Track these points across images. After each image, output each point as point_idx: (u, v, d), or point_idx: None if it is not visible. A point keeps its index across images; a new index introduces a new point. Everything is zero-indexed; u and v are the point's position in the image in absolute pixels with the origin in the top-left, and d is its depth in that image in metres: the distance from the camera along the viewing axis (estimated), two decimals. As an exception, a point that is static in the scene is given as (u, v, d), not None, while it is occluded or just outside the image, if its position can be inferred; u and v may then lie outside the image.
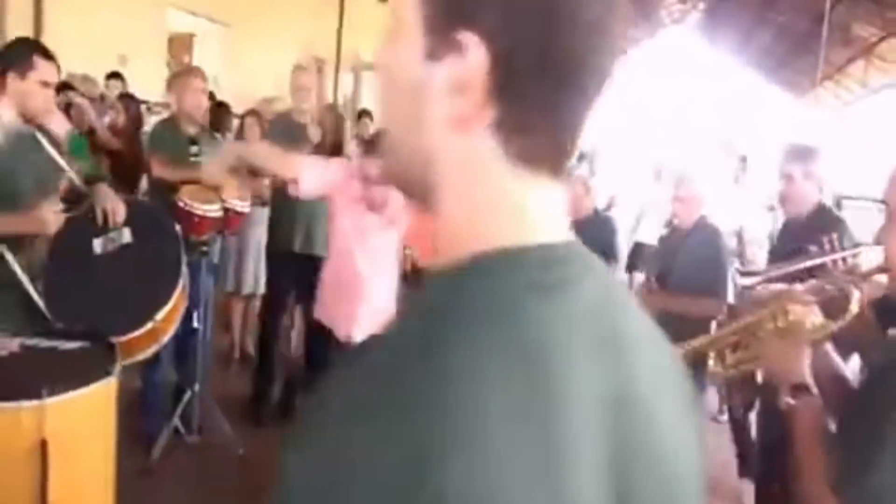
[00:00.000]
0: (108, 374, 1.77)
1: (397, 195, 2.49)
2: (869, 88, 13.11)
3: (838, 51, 12.25)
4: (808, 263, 2.10)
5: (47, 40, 6.41)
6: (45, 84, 2.27)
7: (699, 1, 17.08)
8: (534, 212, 0.51)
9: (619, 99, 2.41)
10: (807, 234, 2.63)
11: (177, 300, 2.45)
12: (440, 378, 0.41)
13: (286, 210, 3.71)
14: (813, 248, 2.16)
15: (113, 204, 2.39)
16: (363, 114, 5.52)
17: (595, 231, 4.06)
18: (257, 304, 4.67)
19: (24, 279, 2.17)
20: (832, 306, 1.52)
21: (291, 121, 3.82)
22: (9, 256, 2.04)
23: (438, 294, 0.49)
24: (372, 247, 2.89)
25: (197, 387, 3.43)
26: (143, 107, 5.73)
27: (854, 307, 1.42)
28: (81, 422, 1.69)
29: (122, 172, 4.19)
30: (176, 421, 3.37)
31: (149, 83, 6.85)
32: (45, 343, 1.85)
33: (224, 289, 4.44)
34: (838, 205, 7.08)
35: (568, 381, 0.44)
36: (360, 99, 13.13)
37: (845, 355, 1.68)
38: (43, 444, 1.56)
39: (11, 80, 2.24)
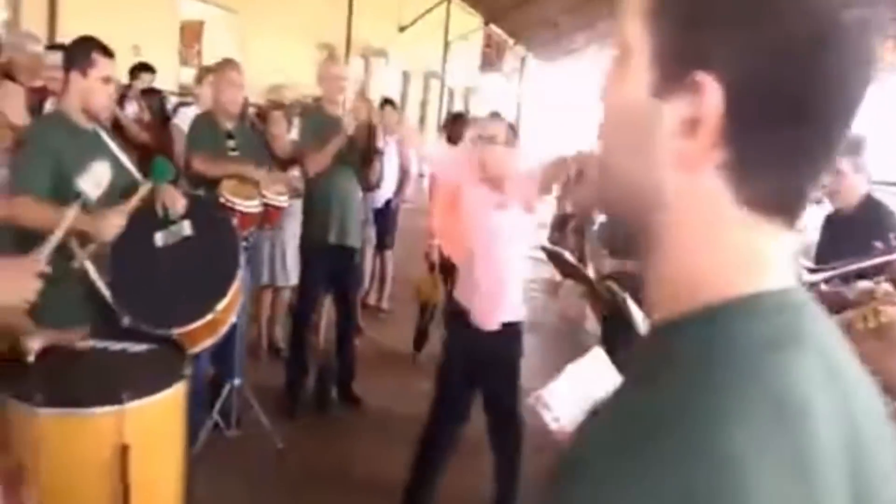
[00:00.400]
0: (181, 377, 1.77)
1: (512, 180, 2.78)
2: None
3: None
4: (877, 261, 2.08)
5: (62, 32, 6.40)
6: (106, 80, 2.27)
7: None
8: (767, 259, 0.50)
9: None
10: (857, 227, 2.65)
11: (235, 292, 2.48)
12: (708, 433, 0.42)
13: (320, 202, 3.72)
14: (879, 245, 2.14)
15: (173, 198, 2.38)
16: (386, 102, 5.46)
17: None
18: (285, 295, 4.68)
19: (93, 272, 2.18)
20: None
21: (324, 114, 3.79)
22: (77, 251, 2.05)
23: (685, 345, 0.48)
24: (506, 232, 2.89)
25: (237, 381, 3.44)
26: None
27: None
28: (158, 425, 1.70)
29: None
30: (216, 415, 3.38)
31: (162, 72, 6.82)
32: (115, 345, 1.85)
33: (259, 281, 4.44)
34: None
35: (821, 434, 0.45)
36: (370, 85, 13.14)
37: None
38: (123, 450, 1.57)
39: (74, 78, 2.24)
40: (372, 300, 5.97)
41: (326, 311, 4.67)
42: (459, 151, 3.30)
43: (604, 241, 4.25)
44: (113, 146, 2.43)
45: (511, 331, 2.84)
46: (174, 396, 1.75)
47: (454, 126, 5.23)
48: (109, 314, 2.22)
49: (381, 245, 5.76)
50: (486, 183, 2.86)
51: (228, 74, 3.30)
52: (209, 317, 2.37)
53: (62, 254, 2.02)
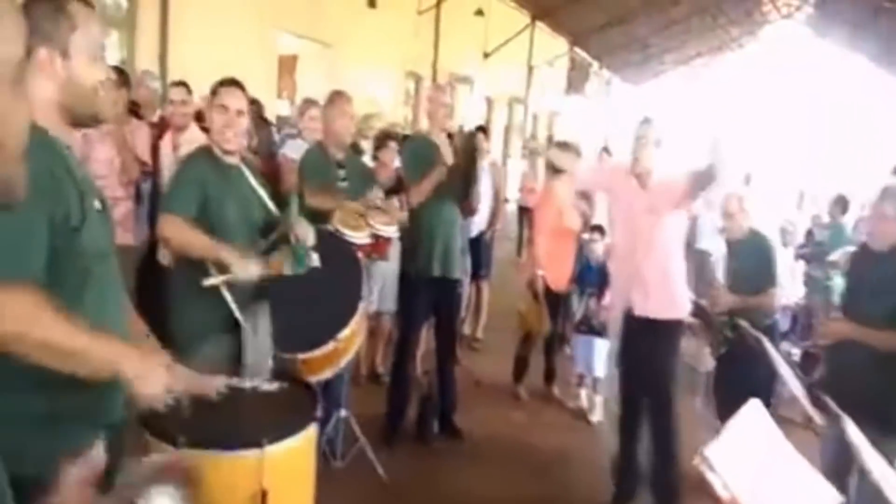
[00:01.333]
0: (313, 418, 1.73)
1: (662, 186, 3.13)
2: None
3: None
4: None
5: (173, 70, 6.75)
6: (238, 112, 2.34)
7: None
8: None
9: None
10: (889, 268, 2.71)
11: (357, 323, 2.47)
12: None
13: (424, 232, 3.68)
14: None
15: (305, 229, 2.40)
16: (480, 129, 5.42)
17: (751, 250, 3.81)
18: (384, 322, 4.66)
19: (226, 293, 2.22)
20: None
21: (427, 141, 3.76)
22: (213, 272, 2.11)
23: None
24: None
25: (343, 412, 3.41)
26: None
27: None
28: (294, 468, 1.66)
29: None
30: (324, 446, 3.35)
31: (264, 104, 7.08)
32: (247, 383, 1.83)
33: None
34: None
35: None
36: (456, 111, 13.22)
37: None
38: (263, 495, 1.52)
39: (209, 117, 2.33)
40: (467, 330, 5.89)
41: (425, 340, 4.62)
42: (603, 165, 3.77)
43: (725, 275, 4.01)
44: (254, 182, 2.46)
45: (675, 326, 3.27)
46: (308, 439, 1.71)
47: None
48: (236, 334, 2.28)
49: (477, 275, 5.69)
50: (639, 185, 3.24)
51: (339, 105, 3.33)
52: (331, 346, 2.38)
53: (199, 271, 2.14)
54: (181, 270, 2.32)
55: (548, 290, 4.81)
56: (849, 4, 14.48)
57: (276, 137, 5.56)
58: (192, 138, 3.80)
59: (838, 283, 6.22)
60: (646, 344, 3.23)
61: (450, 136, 3.83)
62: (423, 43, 11.87)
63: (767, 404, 3.65)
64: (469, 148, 3.75)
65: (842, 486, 2.16)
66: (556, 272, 4.82)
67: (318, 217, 3.11)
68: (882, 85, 17.47)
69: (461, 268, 3.98)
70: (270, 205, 2.46)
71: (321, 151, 3.41)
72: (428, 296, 3.78)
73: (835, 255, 5.72)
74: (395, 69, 11.12)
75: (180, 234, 2.18)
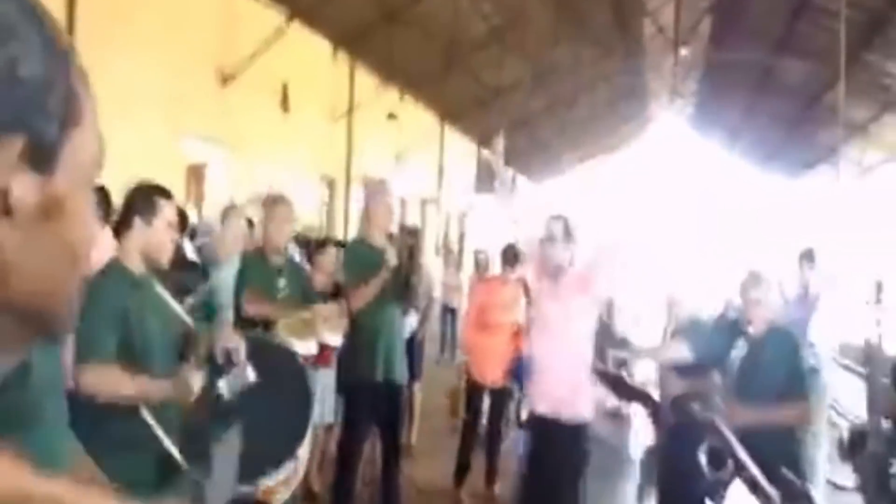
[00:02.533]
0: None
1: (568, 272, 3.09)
2: (862, 166, 13.43)
3: (831, 133, 12.64)
4: None
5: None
6: (170, 225, 2.12)
7: (690, 95, 17.85)
8: None
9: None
10: None
11: (310, 436, 2.27)
12: None
13: (366, 339, 3.51)
14: None
15: (236, 340, 2.19)
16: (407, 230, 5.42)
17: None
18: (318, 435, 4.36)
19: (162, 436, 1.96)
20: None
21: (369, 246, 3.68)
22: (146, 414, 1.84)
23: None
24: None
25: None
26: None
27: None
28: None
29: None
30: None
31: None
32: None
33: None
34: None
35: None
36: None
37: None
38: None
39: (138, 227, 2.08)
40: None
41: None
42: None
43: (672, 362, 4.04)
44: (167, 296, 2.24)
45: (579, 431, 3.11)
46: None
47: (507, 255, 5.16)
48: (179, 478, 1.97)
49: (410, 377, 5.53)
50: (547, 277, 3.27)
51: (279, 210, 3.21)
52: (291, 465, 2.17)
53: (131, 422, 1.87)
54: (108, 418, 1.95)
55: (474, 383, 4.79)
56: (724, 105, 16.07)
57: (188, 246, 5.31)
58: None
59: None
60: (547, 448, 3.10)
61: (390, 237, 3.77)
62: (337, 147, 12.01)
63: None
64: (411, 246, 3.68)
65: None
66: (482, 365, 4.79)
67: (259, 325, 2.91)
68: (760, 184, 19.22)
69: (402, 371, 3.82)
70: (186, 318, 2.25)
71: (260, 258, 3.25)
72: (372, 403, 3.59)
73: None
74: (309, 173, 11.11)
75: (106, 384, 1.92)
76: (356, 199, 13.05)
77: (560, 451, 3.09)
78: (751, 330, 3.14)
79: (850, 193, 13.42)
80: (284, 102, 10.16)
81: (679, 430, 3.71)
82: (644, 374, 7.04)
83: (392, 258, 3.50)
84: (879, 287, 7.16)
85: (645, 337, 7.02)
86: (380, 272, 3.44)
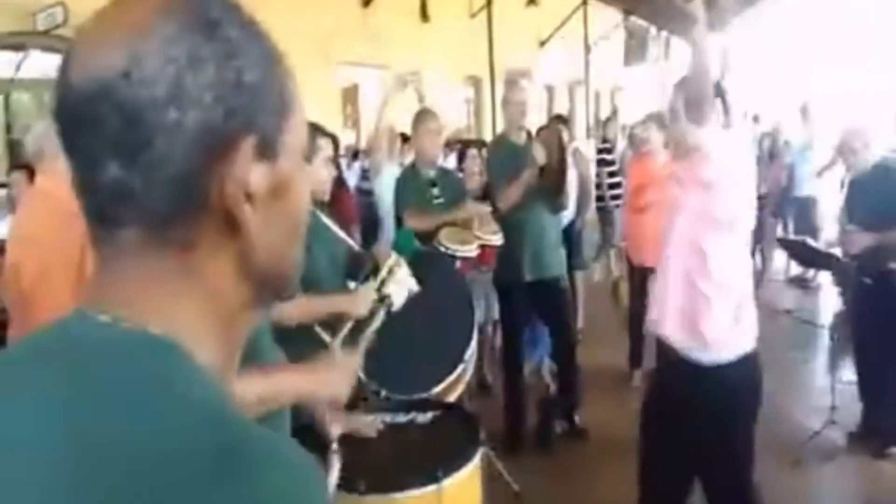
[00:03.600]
0: (480, 444, 1.72)
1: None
2: None
3: None
4: None
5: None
6: (328, 160, 2.32)
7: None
8: None
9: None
10: None
11: (475, 339, 2.46)
12: None
13: (515, 239, 3.56)
14: None
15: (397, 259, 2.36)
16: (558, 119, 5.34)
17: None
18: (486, 330, 4.64)
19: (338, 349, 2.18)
20: None
21: (511, 144, 3.70)
22: (320, 331, 2.06)
23: None
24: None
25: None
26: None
27: None
28: (470, 495, 1.65)
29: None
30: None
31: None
32: (401, 417, 1.84)
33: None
34: None
35: None
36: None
37: None
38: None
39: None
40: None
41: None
42: None
43: (846, 217, 3.75)
44: (330, 223, 2.46)
45: (715, 371, 2.11)
46: (477, 465, 1.69)
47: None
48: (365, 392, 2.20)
49: (570, 266, 5.59)
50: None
51: (426, 123, 3.34)
52: (459, 369, 2.35)
53: (313, 342, 1.99)
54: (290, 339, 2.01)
55: (635, 267, 4.72)
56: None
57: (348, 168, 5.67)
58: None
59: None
60: (678, 394, 2.21)
61: (529, 134, 3.76)
62: (478, 44, 11.82)
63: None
64: (555, 144, 3.66)
65: None
66: (640, 247, 4.70)
67: (420, 239, 3.13)
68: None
69: (556, 266, 3.83)
70: (352, 243, 2.41)
71: (413, 172, 3.44)
72: (525, 301, 3.70)
73: None
74: (453, 76, 11.12)
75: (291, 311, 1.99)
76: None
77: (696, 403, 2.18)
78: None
79: None
80: (424, 12, 10.17)
81: (870, 288, 3.50)
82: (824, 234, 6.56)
83: (539, 156, 3.50)
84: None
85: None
86: (523, 171, 3.46)
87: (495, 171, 3.75)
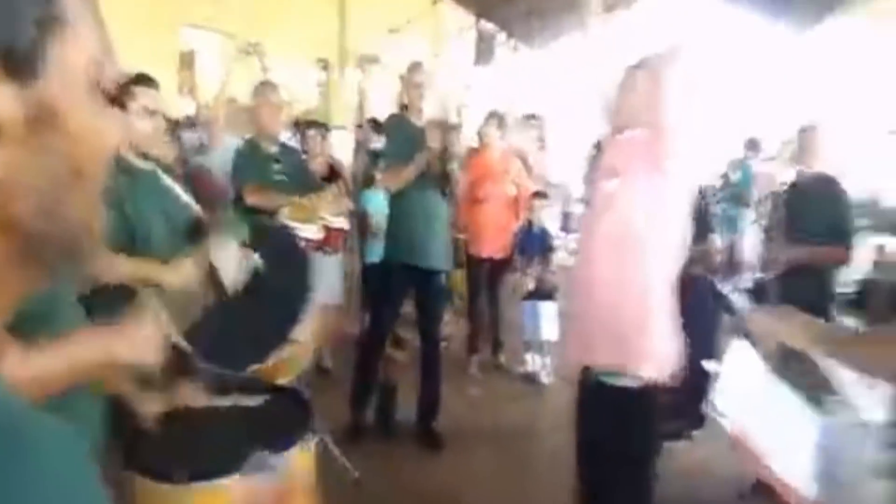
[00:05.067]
0: (311, 425, 1.64)
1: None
2: (876, 14, 12.77)
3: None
4: None
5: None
6: (147, 111, 2.12)
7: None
8: None
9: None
10: None
11: (313, 318, 2.35)
12: None
13: (403, 221, 3.54)
14: None
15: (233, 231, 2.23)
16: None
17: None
18: (329, 315, 4.55)
19: (165, 321, 2.02)
20: None
21: (410, 123, 3.59)
22: (145, 296, 1.89)
23: None
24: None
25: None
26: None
27: None
28: (303, 479, 1.57)
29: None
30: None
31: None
32: (228, 399, 1.71)
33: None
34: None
35: None
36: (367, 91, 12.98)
37: None
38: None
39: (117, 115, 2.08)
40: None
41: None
42: None
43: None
44: (172, 185, 2.28)
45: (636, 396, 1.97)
46: (310, 449, 1.61)
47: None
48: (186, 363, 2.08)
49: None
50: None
51: (267, 95, 3.16)
52: (291, 347, 2.26)
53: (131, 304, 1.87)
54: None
55: (472, 258, 4.88)
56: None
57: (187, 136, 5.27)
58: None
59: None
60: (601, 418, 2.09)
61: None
62: (329, 25, 11.54)
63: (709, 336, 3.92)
64: (447, 134, 3.62)
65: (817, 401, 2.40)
66: (478, 238, 4.86)
67: (261, 213, 2.98)
68: (772, 36, 18.41)
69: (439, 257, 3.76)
70: (194, 206, 2.27)
71: (253, 146, 3.24)
72: (400, 286, 3.65)
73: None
74: (303, 57, 10.76)
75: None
76: (351, 80, 12.70)
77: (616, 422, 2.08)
78: (803, 172, 3.37)
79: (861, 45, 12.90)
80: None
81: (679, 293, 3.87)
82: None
83: (435, 142, 3.43)
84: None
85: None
86: (421, 152, 3.40)
87: (391, 150, 3.66)
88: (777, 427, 1.75)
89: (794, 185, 3.46)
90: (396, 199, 3.52)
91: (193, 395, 1.48)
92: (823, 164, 3.33)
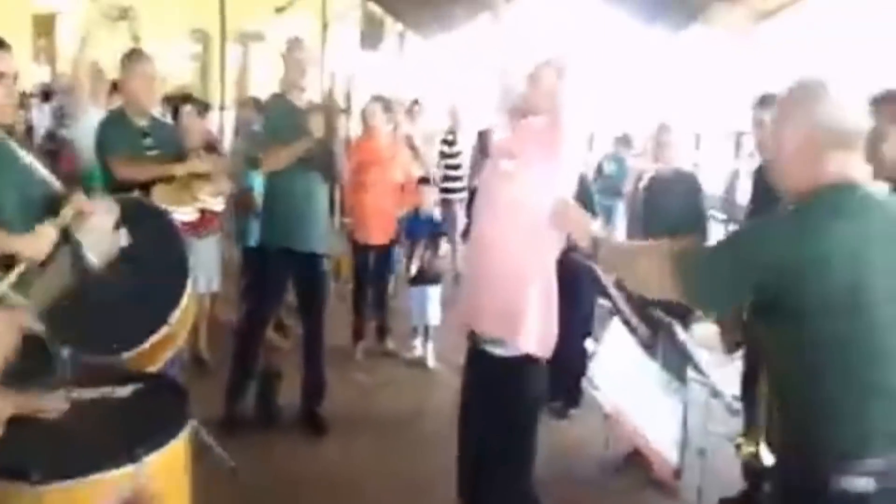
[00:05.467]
0: (186, 416, 1.54)
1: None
2: (729, 26, 13.88)
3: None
4: None
5: None
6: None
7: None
8: None
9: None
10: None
11: (188, 300, 2.23)
12: None
13: (282, 204, 3.41)
14: None
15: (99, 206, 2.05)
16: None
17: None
18: (205, 303, 4.35)
19: (19, 302, 1.83)
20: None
21: (289, 103, 3.44)
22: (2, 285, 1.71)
23: None
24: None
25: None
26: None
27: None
28: (178, 473, 1.46)
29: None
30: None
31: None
32: (95, 392, 1.57)
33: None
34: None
35: None
36: (249, 70, 12.46)
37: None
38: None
39: None
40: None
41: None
42: None
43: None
44: (24, 154, 2.07)
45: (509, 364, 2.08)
46: (184, 440, 1.51)
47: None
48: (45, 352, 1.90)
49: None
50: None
51: (138, 64, 2.93)
52: (164, 330, 2.14)
53: None
54: None
55: (358, 245, 4.83)
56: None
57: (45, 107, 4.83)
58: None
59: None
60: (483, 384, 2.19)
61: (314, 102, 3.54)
62: (208, 2, 10.94)
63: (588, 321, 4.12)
64: (332, 120, 3.50)
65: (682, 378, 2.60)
66: (364, 224, 4.84)
67: (130, 191, 2.76)
68: (643, 39, 19.54)
69: (324, 240, 3.67)
70: (52, 180, 2.08)
71: (121, 118, 3.00)
72: (280, 271, 3.52)
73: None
74: (177, 27, 10.14)
75: None
76: (232, 56, 12.14)
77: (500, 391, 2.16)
78: (658, 169, 3.51)
79: (720, 53, 14.01)
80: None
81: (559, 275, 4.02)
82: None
83: (317, 128, 3.29)
84: (739, 140, 7.75)
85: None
86: (302, 134, 3.26)
87: (267, 129, 3.49)
88: (648, 401, 1.86)
89: (652, 179, 3.65)
90: (274, 182, 3.40)
91: (51, 399, 1.33)
92: (679, 160, 3.56)
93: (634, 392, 1.81)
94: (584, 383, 1.58)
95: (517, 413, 2.09)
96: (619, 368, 1.80)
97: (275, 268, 3.52)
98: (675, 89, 15.76)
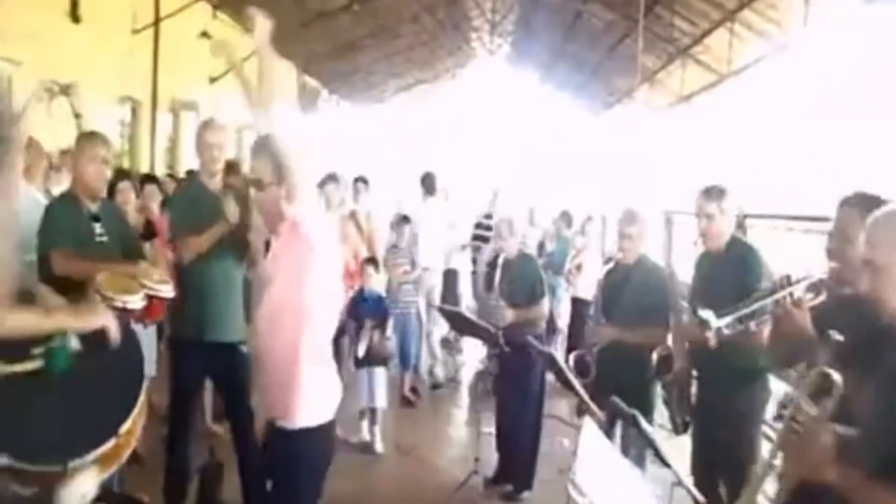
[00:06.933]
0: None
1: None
2: (652, 107, 14.87)
3: (626, 78, 13.76)
4: (770, 300, 2.32)
5: None
6: None
7: (507, 34, 18.38)
8: None
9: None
10: (727, 265, 3.05)
11: (140, 408, 2.09)
12: None
13: (195, 294, 3.23)
14: (767, 285, 2.45)
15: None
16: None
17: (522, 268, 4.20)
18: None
19: None
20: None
21: (203, 189, 3.32)
22: None
23: None
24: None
25: None
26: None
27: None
28: None
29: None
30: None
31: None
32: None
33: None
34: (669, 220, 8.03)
35: None
36: (181, 139, 12.25)
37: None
38: None
39: None
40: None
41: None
42: None
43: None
44: None
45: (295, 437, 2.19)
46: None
47: None
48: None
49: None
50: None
51: (95, 149, 2.83)
52: (111, 442, 1.97)
53: None
54: None
55: None
56: (538, 45, 16.83)
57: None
58: None
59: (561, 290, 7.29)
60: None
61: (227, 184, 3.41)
62: (141, 64, 10.80)
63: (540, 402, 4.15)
64: (245, 198, 3.40)
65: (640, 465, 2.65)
66: None
67: (72, 286, 2.60)
68: (572, 113, 20.64)
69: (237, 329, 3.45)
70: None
71: (73, 205, 2.86)
72: (200, 362, 3.34)
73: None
74: (106, 92, 9.90)
75: None
76: (163, 126, 11.93)
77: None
78: (621, 259, 3.60)
79: (641, 132, 14.90)
80: (74, 12, 8.87)
81: (511, 356, 4.04)
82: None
83: (233, 213, 3.15)
84: (669, 219, 8.11)
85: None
86: (215, 220, 3.14)
87: (179, 216, 3.35)
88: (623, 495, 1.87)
89: (615, 267, 3.70)
90: (188, 271, 3.21)
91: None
92: (641, 248, 3.56)
93: (622, 497, 1.81)
94: (570, 489, 1.56)
95: (297, 483, 2.22)
96: (601, 471, 1.79)
97: (191, 359, 3.33)
98: (604, 168, 16.56)
